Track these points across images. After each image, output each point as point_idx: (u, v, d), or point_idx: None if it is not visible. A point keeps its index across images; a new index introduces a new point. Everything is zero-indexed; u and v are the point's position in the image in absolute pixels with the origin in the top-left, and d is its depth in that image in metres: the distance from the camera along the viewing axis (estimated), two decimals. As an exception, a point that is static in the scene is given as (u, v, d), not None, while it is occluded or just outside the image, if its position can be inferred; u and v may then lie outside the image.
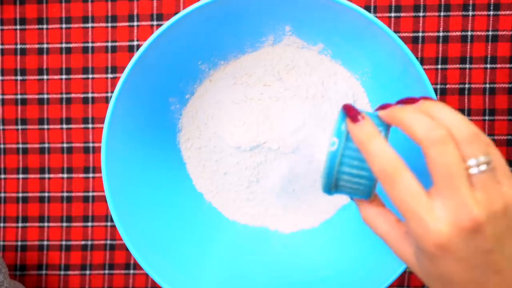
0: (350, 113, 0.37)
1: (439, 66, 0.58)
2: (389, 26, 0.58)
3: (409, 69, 0.46)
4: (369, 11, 0.58)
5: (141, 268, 0.61)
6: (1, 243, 0.63)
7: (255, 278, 0.54)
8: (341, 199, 0.56)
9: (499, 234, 0.34)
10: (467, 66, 0.58)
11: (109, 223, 0.61)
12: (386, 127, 0.39)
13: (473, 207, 0.33)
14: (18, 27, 0.61)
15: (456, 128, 0.35)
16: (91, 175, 0.62)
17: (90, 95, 0.61)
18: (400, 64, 0.47)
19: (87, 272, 0.62)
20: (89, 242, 0.62)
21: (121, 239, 0.61)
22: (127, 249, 0.61)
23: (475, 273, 0.34)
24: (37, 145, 0.62)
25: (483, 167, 0.34)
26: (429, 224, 0.34)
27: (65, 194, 0.62)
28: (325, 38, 0.53)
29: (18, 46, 0.61)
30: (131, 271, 0.62)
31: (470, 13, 0.58)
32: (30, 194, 0.62)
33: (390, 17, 0.58)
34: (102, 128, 0.60)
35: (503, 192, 0.34)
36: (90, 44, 0.61)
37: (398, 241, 0.37)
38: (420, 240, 0.34)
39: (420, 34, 0.58)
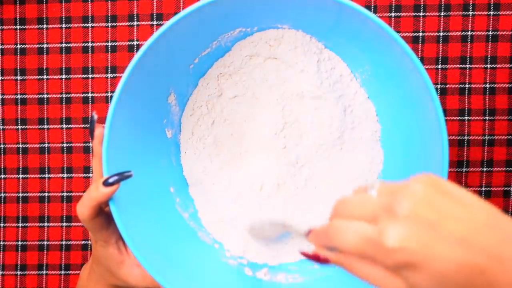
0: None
1: (439, 66, 0.58)
2: (390, 26, 0.58)
3: (409, 68, 0.46)
4: (369, 11, 0.58)
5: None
6: (1, 243, 0.63)
7: (256, 277, 0.54)
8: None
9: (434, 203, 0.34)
10: (467, 66, 0.58)
11: (109, 223, 0.61)
12: None
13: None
14: (18, 27, 0.61)
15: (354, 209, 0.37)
16: (91, 175, 0.62)
17: (90, 95, 0.61)
18: (401, 62, 0.47)
19: (87, 272, 0.62)
20: (89, 242, 0.62)
21: (121, 239, 0.61)
22: (127, 249, 0.61)
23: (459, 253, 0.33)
24: (37, 145, 0.62)
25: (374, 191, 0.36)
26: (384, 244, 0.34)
27: (65, 194, 0.62)
28: (325, 37, 0.53)
29: (18, 46, 0.61)
30: (131, 271, 0.62)
31: (470, 13, 0.58)
32: (30, 194, 0.62)
33: (390, 17, 0.58)
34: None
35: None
36: (90, 44, 0.61)
37: (385, 279, 0.36)
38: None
39: (421, 34, 0.58)
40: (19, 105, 0.62)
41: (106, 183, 0.45)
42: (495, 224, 0.33)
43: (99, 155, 0.46)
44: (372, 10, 0.58)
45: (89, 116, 0.61)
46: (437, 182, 0.34)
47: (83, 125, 0.61)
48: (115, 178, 0.45)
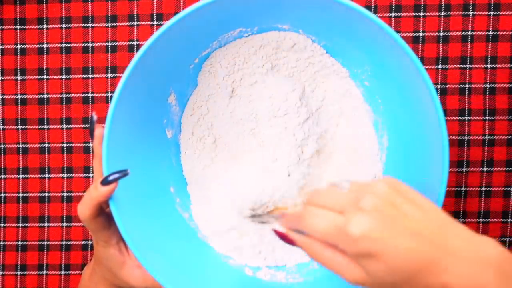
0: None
1: (440, 66, 0.58)
2: (390, 26, 0.58)
3: (409, 68, 0.46)
4: (370, 11, 0.58)
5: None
6: (1, 243, 0.63)
7: (256, 277, 0.54)
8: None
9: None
10: (468, 66, 0.58)
11: (109, 223, 0.61)
12: None
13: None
14: (18, 27, 0.61)
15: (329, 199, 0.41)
16: (91, 175, 0.62)
17: (90, 95, 0.61)
18: (401, 62, 0.47)
19: (87, 272, 0.62)
20: (89, 242, 0.62)
21: (121, 239, 0.61)
22: (127, 249, 0.61)
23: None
24: (37, 145, 0.62)
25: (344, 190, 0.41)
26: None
27: (65, 194, 0.62)
28: (325, 37, 0.53)
29: (18, 46, 0.61)
30: (132, 271, 0.61)
31: (470, 13, 0.58)
32: (30, 194, 0.62)
33: (390, 17, 0.58)
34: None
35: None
36: (90, 44, 0.61)
37: (345, 265, 0.39)
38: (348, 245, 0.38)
39: (421, 34, 0.58)
40: (19, 105, 0.62)
41: (104, 182, 0.45)
42: (442, 222, 0.38)
43: (100, 155, 0.46)
44: (372, 10, 0.58)
45: (89, 116, 0.61)
46: (396, 183, 0.40)
47: (83, 125, 0.61)
48: (113, 176, 0.45)
